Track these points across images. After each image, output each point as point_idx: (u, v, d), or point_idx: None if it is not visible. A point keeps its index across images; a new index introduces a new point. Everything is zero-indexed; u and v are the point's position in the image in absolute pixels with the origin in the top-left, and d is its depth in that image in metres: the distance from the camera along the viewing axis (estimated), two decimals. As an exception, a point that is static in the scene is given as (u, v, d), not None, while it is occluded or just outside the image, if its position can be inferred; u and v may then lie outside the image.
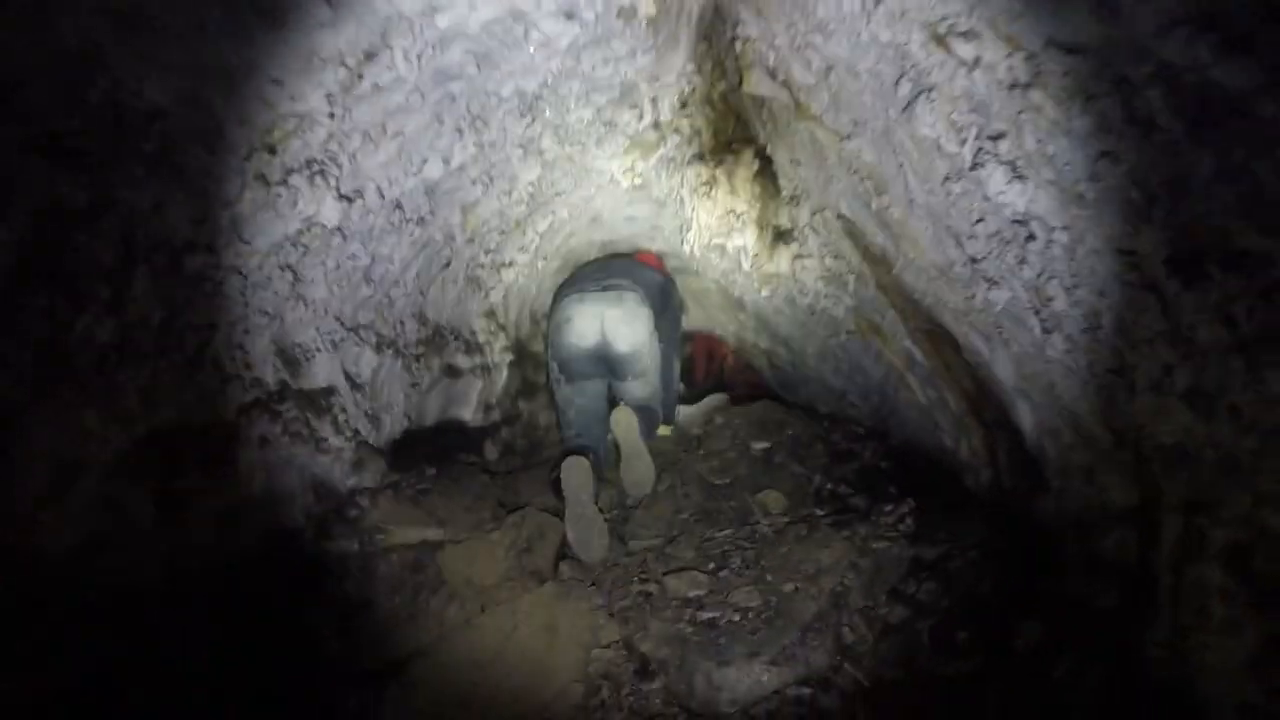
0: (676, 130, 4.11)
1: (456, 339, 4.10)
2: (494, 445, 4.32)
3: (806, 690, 2.37)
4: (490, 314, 4.38)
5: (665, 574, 3.04)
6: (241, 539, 2.51)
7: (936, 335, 3.90)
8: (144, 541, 2.21)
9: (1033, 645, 2.52)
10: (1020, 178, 2.39)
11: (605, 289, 3.84)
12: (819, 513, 3.58)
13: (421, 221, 3.26)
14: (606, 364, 3.80)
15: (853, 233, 4.00)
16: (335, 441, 3.02)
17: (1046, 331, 2.77)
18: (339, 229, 2.80)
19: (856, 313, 4.62)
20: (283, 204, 2.50)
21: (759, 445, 4.42)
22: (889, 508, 3.37)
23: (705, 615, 2.70)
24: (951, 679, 2.37)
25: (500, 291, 4.42)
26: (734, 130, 4.56)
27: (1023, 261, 2.72)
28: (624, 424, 3.75)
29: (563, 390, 3.90)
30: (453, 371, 4.06)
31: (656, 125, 3.93)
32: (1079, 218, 2.25)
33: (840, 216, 3.98)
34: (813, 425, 4.89)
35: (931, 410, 4.48)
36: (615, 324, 3.70)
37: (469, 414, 4.27)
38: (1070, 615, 2.51)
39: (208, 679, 2.19)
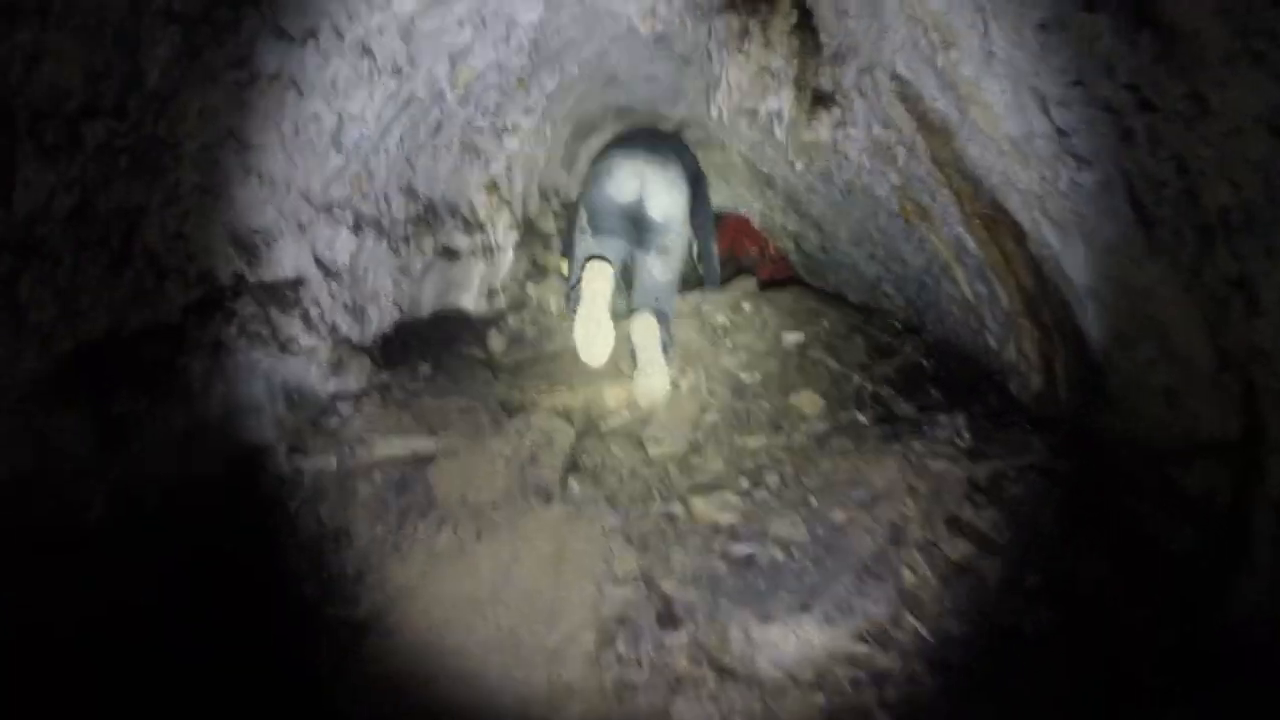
0: None
1: (453, 216, 3.60)
2: (500, 335, 3.91)
3: (863, 648, 2.00)
4: (492, 187, 3.85)
5: (691, 492, 2.67)
6: (201, 464, 2.13)
7: (996, 222, 3.40)
8: (82, 475, 1.87)
9: (1101, 590, 2.19)
10: (1152, 24, 1.84)
11: (653, 151, 3.56)
12: (861, 419, 3.19)
13: (399, 72, 2.69)
14: (636, 227, 3.51)
15: (908, 96, 3.41)
16: (307, 340, 2.59)
17: (1147, 225, 2.28)
18: (292, 81, 2.29)
19: (902, 192, 4.06)
20: (209, 49, 1.99)
21: (791, 338, 3.98)
22: (942, 418, 2.98)
23: (740, 549, 2.30)
24: (1022, 633, 2.05)
25: (503, 161, 3.87)
26: (770, -24, 3.88)
27: (1129, 137, 2.19)
28: (643, 331, 3.40)
29: (585, 241, 3.56)
30: (450, 253, 3.59)
31: None
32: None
33: (894, 77, 3.37)
34: (847, 315, 4.43)
35: (977, 306, 4.01)
36: (656, 187, 3.43)
37: (470, 301, 3.83)
38: (1140, 555, 2.21)
39: (160, 629, 1.89)
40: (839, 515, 2.41)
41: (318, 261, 2.71)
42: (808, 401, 3.36)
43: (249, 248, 2.36)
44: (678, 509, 2.60)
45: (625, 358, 3.66)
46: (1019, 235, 3.28)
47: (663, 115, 4.65)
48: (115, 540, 1.85)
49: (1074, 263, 2.88)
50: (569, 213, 4.56)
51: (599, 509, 2.64)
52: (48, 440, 1.74)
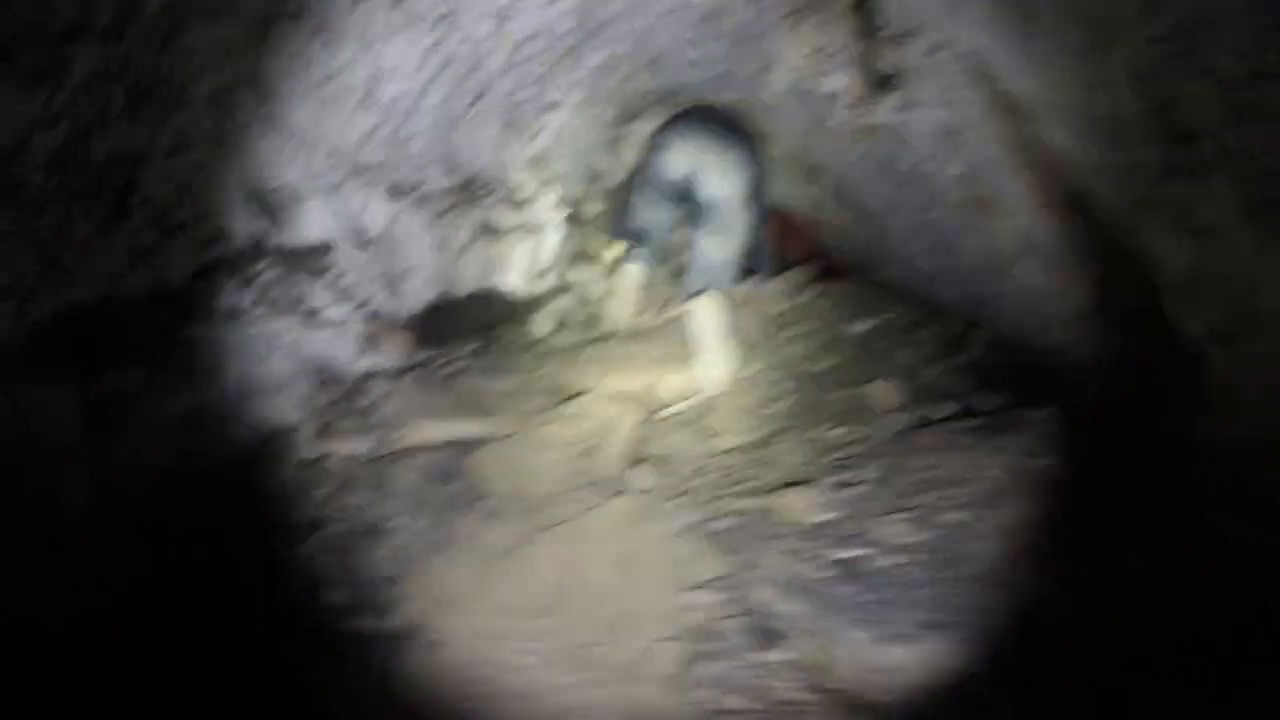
0: None
1: (495, 192, 3.30)
2: (546, 318, 3.61)
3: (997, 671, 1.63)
4: (537, 164, 3.55)
5: (773, 488, 2.31)
6: (211, 449, 1.86)
7: (1073, 211, 3.00)
8: (65, 462, 1.59)
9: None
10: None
11: (713, 130, 3.42)
12: (942, 413, 2.84)
13: (439, 23, 2.40)
14: (688, 205, 3.42)
15: (985, 75, 3.03)
16: (337, 311, 2.29)
17: (1256, 211, 1.94)
18: (319, 23, 1.98)
19: (966, 181, 3.67)
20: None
21: (856, 327, 3.63)
22: (1029, 414, 2.61)
23: (840, 554, 1.95)
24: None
25: (549, 136, 3.56)
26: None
27: (1239, 115, 1.85)
28: (705, 314, 3.20)
29: (640, 205, 3.54)
30: (492, 231, 3.28)
31: None
32: None
33: (967, 55, 3.01)
34: (908, 309, 4.05)
35: (1043, 304, 3.60)
36: (711, 167, 3.27)
37: (514, 282, 3.52)
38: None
39: (152, 643, 1.59)
40: (951, 514, 2.04)
41: (349, 228, 2.41)
42: (883, 393, 3.00)
43: (270, 207, 2.06)
44: (760, 505, 2.26)
45: (684, 343, 3.34)
46: (1100, 224, 2.90)
47: (709, 101, 4.31)
48: (99, 538, 1.55)
49: (1177, 256, 2.51)
50: (615, 197, 4.28)
51: (670, 504, 2.31)
52: (25, 421, 1.46)
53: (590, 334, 3.71)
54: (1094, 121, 2.39)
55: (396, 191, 2.66)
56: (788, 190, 5.15)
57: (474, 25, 2.63)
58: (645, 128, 4.30)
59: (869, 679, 1.65)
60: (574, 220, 4.01)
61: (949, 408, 2.85)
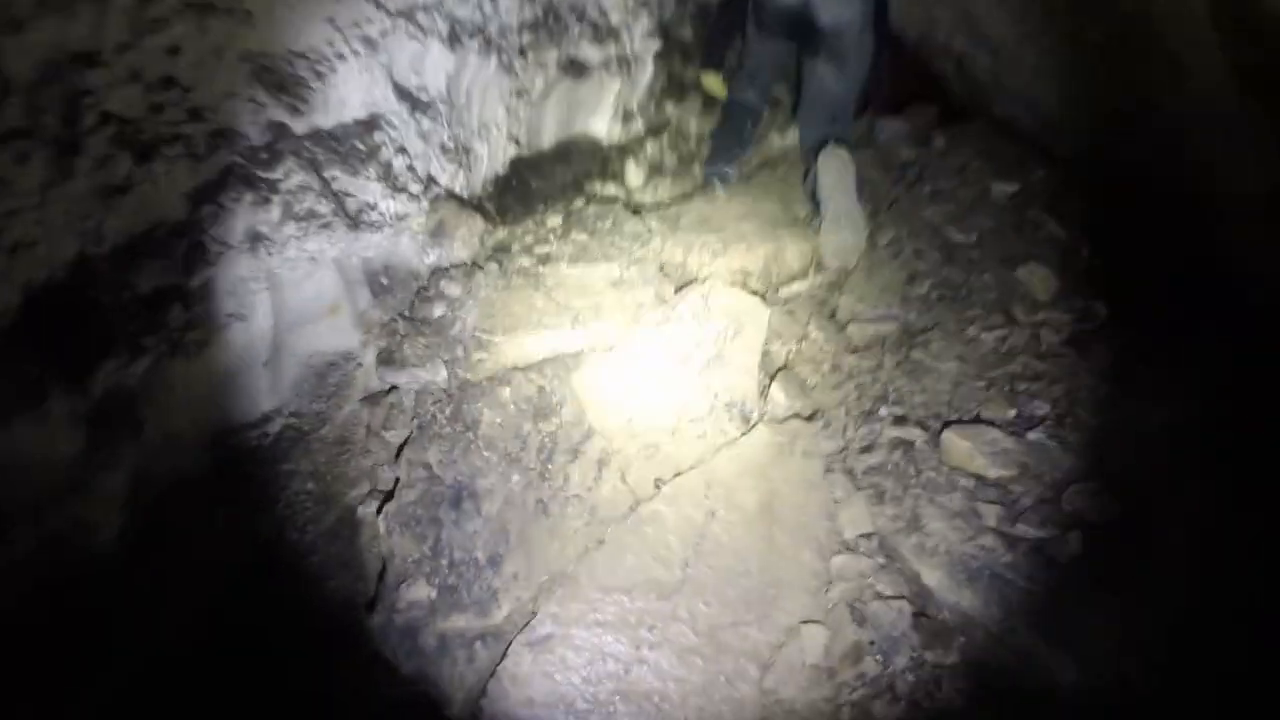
0: None
1: (581, 20, 2.62)
2: (638, 167, 3.02)
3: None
4: None
5: (930, 418, 1.86)
6: (250, 411, 1.52)
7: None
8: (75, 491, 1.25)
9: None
10: None
11: None
12: (1104, 310, 2.24)
13: None
14: (804, 30, 2.88)
15: None
16: (391, 204, 1.82)
17: None
18: None
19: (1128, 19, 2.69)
20: None
21: (1004, 187, 2.90)
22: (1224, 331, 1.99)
23: (1027, 530, 1.53)
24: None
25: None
26: None
27: None
28: (835, 169, 2.67)
29: (750, 34, 3.03)
30: (577, 68, 2.64)
31: None
32: None
33: None
34: (1056, 165, 3.25)
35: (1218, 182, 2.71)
36: None
37: (603, 126, 2.89)
38: None
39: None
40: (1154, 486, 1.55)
41: (400, 91, 1.88)
42: (1039, 280, 2.41)
43: (289, 84, 1.54)
44: (916, 438, 1.80)
45: (805, 201, 2.81)
46: None
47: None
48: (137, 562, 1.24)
49: None
50: (711, 16, 3.48)
51: (812, 429, 1.88)
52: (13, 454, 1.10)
53: (689, 183, 3.15)
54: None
55: (459, 33, 2.07)
56: (898, 13, 4.12)
57: None
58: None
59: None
60: (667, 49, 3.30)
61: (1114, 307, 2.27)
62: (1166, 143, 3.15)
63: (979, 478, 1.67)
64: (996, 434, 1.74)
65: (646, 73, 3.02)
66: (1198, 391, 1.81)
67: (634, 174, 3.00)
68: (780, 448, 1.82)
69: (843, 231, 2.61)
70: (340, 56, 1.68)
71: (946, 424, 1.82)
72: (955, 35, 3.95)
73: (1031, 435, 1.75)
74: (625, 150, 3.03)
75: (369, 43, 1.76)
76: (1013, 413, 1.84)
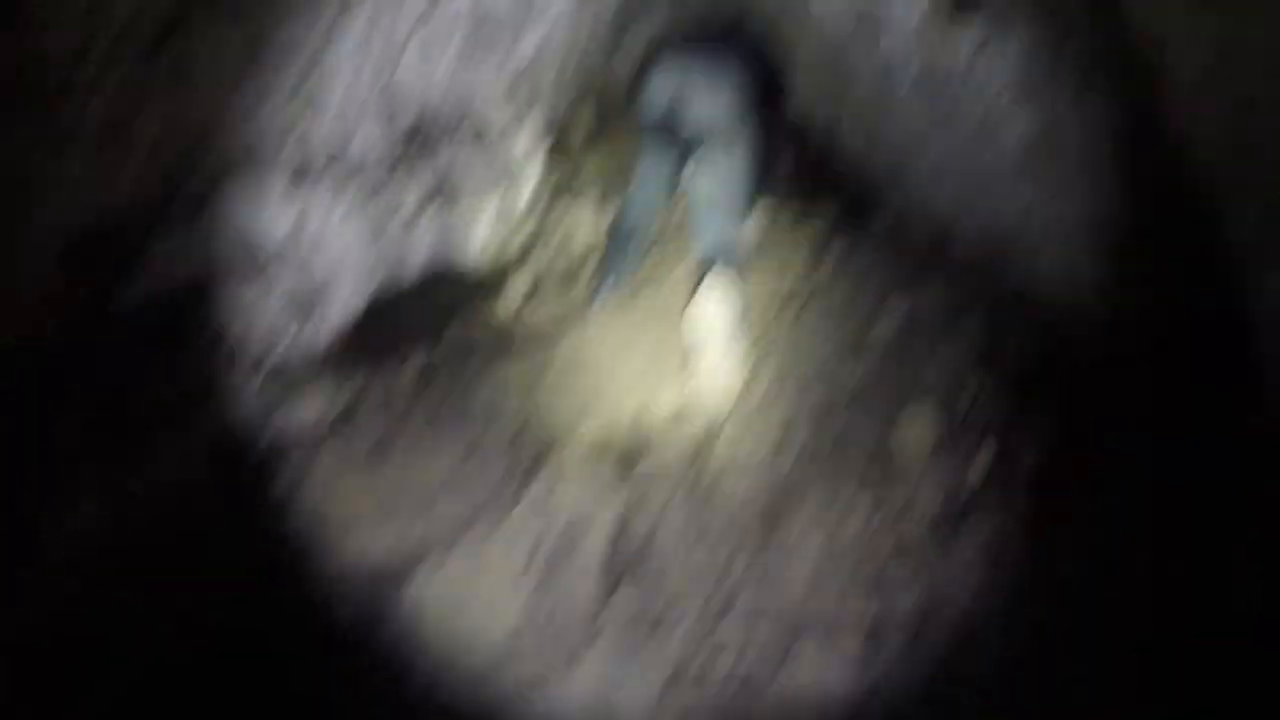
0: None
1: (453, 135, 2.46)
2: (516, 287, 2.87)
3: None
4: (515, 86, 2.66)
5: (787, 627, 1.77)
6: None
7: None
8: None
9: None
10: None
11: (699, 46, 2.94)
12: (982, 468, 2.26)
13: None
14: (681, 135, 2.88)
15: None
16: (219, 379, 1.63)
17: None
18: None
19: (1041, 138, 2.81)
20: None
21: (896, 307, 2.90)
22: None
23: None
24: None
25: (531, 45, 2.66)
26: None
27: None
28: (712, 307, 2.58)
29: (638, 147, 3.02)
30: (450, 188, 2.49)
31: None
32: None
33: None
34: (951, 274, 3.30)
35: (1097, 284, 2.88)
36: (700, 92, 2.79)
37: (478, 245, 2.74)
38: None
39: None
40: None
41: (235, 245, 1.66)
42: (918, 433, 2.40)
43: (79, 247, 1.30)
44: (764, 676, 1.71)
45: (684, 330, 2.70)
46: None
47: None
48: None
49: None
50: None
51: (652, 649, 1.76)
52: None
53: (567, 304, 3.01)
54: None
55: (309, 165, 1.87)
56: (805, 106, 4.19)
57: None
58: (648, 28, 3.37)
59: None
60: (558, 149, 3.18)
61: (988, 457, 2.30)
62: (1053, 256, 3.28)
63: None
64: (850, 642, 1.68)
65: (532, 180, 2.86)
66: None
67: (511, 297, 2.83)
68: (615, 677, 1.68)
69: (718, 376, 2.55)
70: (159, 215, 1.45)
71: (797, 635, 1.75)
72: (855, 132, 4.02)
73: (877, 656, 1.69)
74: (503, 272, 2.86)
75: (191, 198, 1.54)
76: (862, 636, 1.78)
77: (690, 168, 2.83)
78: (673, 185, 3.04)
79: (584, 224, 3.34)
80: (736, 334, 2.61)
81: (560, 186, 3.26)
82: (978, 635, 1.78)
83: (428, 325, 2.42)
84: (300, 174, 1.82)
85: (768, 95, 3.03)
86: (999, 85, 2.73)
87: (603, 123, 3.52)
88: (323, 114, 1.87)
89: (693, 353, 2.60)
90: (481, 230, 2.70)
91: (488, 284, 2.79)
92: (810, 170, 4.46)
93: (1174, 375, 2.16)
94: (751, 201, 3.15)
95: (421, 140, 2.32)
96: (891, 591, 1.87)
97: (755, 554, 2.03)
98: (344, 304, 2.10)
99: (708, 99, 2.76)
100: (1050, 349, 2.70)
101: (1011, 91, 2.71)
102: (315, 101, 1.82)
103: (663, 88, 2.79)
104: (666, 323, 2.83)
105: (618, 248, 2.97)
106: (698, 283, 2.69)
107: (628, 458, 2.29)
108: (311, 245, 1.92)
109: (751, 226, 3.30)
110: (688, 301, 2.70)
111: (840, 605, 1.86)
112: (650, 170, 2.95)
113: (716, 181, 2.79)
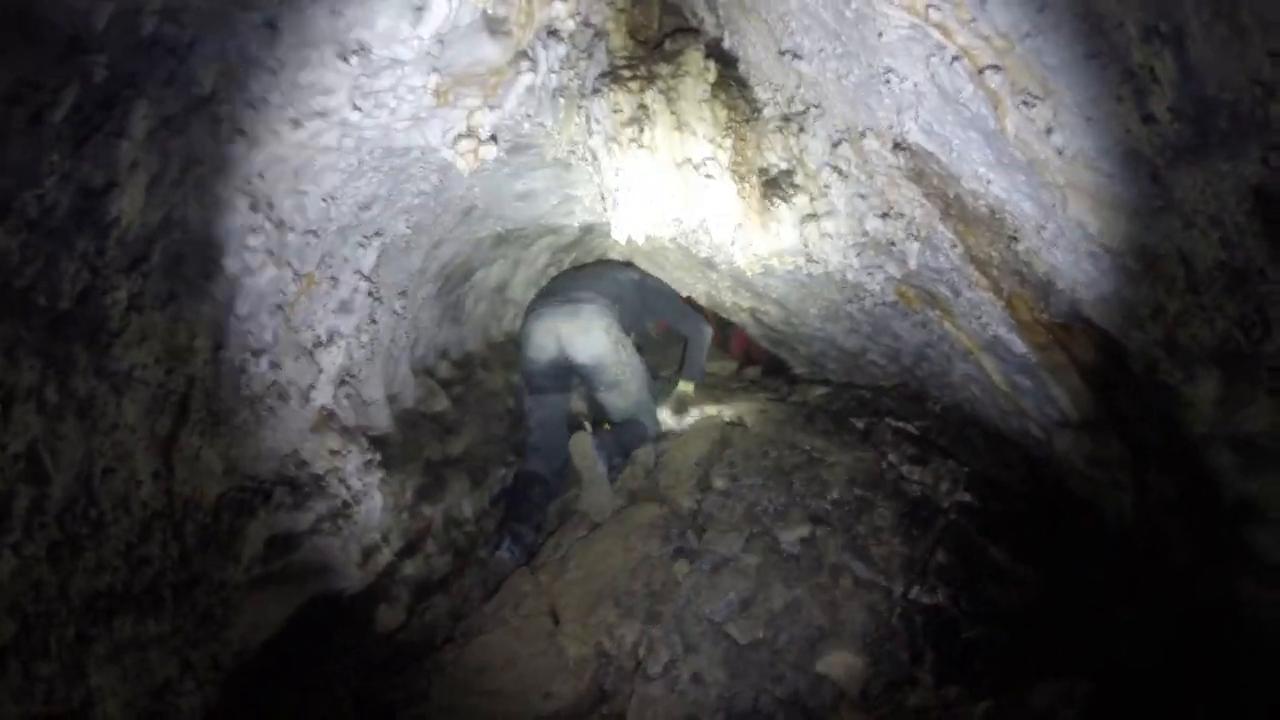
0: (553, 33, 2.16)
1: (274, 490, 2.25)
2: (393, 605, 2.58)
3: None
4: (328, 421, 2.49)
5: None
6: None
7: (1071, 331, 2.22)
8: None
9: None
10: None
11: (564, 302, 3.23)
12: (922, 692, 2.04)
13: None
14: (573, 377, 3.29)
15: (925, 174, 2.18)
16: None
17: None
18: None
19: (904, 283, 2.85)
20: None
21: (790, 535, 2.72)
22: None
23: None
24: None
25: (332, 373, 2.49)
26: (661, 19, 2.57)
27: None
28: (579, 451, 3.00)
29: (526, 401, 3.39)
30: (286, 544, 2.25)
31: (503, 28, 1.97)
32: None
33: (900, 146, 2.14)
34: (853, 447, 3.19)
35: (1015, 396, 2.86)
36: (571, 337, 3.13)
37: (341, 582, 2.49)
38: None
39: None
40: None
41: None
42: (844, 670, 2.20)
43: None
44: None
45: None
46: (1111, 351, 2.14)
47: (557, 227, 3.35)
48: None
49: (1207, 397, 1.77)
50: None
51: None
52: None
53: (468, 580, 2.80)
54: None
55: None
56: (683, 278, 4.25)
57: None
58: (486, 276, 3.35)
59: None
60: (409, 437, 2.99)
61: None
62: (936, 365, 3.22)
63: None
64: None
65: (377, 502, 2.60)
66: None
67: (387, 616, 2.55)
68: None
69: (591, 503, 2.86)
70: None
71: None
72: (739, 294, 4.02)
73: None
74: (373, 594, 2.58)
75: None
76: None
77: (596, 396, 3.15)
78: (568, 431, 3.21)
79: (466, 500, 3.16)
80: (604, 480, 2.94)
81: (430, 477, 3.06)
82: None
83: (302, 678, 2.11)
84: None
85: (650, 306, 3.42)
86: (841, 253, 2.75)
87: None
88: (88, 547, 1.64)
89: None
90: (339, 566, 2.43)
91: (361, 611, 2.51)
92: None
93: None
94: (654, 409, 3.46)
95: (234, 513, 2.09)
96: None
97: None
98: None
99: (582, 341, 3.02)
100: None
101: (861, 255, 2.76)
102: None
103: (547, 344, 3.07)
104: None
105: (518, 503, 3.07)
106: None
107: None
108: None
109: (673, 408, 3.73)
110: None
111: None
112: (547, 418, 3.20)
113: (619, 407, 3.11)
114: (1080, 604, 2.20)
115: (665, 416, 3.72)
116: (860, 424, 3.46)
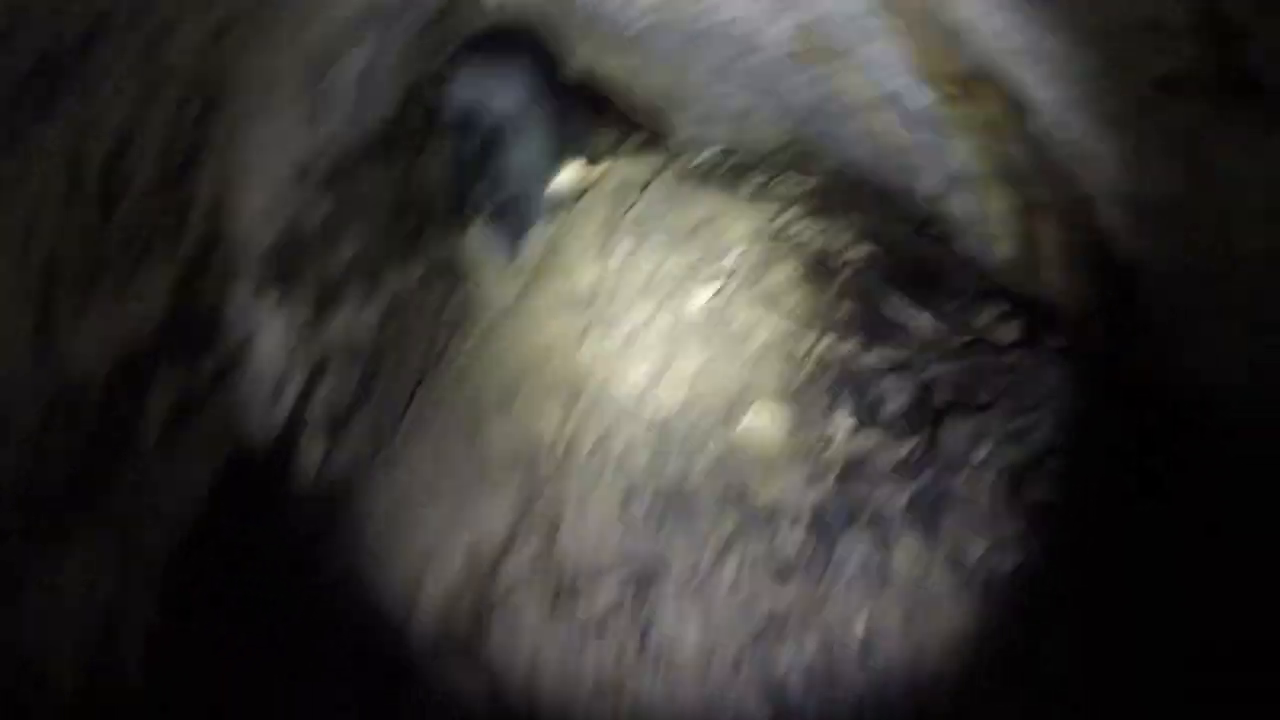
0: None
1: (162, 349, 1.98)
2: (311, 442, 2.46)
3: None
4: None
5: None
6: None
7: (980, 86, 2.14)
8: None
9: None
10: None
11: (483, 56, 3.15)
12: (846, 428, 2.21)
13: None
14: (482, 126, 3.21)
15: None
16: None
17: None
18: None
19: (805, 33, 2.60)
20: None
21: (698, 298, 2.71)
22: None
23: None
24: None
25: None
26: None
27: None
28: (471, 243, 3.19)
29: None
30: (189, 402, 2.04)
31: None
32: None
33: None
34: (752, 205, 3.12)
35: (909, 150, 2.83)
36: (491, 91, 3.14)
37: (254, 429, 2.32)
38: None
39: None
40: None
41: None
42: (766, 418, 2.31)
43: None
44: None
45: None
46: (1015, 106, 2.10)
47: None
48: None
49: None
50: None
51: None
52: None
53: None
54: None
55: None
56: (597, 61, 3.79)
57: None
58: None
59: None
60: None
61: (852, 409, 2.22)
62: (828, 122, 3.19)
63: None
64: None
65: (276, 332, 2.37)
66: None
67: (307, 457, 2.44)
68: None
69: None
70: None
71: None
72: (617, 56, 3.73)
73: None
74: (290, 435, 2.44)
75: None
76: None
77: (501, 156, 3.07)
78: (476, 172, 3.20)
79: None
80: None
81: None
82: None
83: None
84: None
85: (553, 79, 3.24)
86: None
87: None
88: None
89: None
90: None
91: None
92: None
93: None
94: (555, 165, 3.36)
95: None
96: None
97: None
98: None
99: (498, 95, 2.99)
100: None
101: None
102: None
103: (460, 91, 3.00)
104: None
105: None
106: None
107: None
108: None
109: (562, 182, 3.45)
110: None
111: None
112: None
113: (523, 152, 3.05)
114: (977, 354, 2.35)
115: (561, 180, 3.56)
116: (754, 182, 3.39)
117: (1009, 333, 2.36)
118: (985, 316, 2.43)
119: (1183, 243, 1.69)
